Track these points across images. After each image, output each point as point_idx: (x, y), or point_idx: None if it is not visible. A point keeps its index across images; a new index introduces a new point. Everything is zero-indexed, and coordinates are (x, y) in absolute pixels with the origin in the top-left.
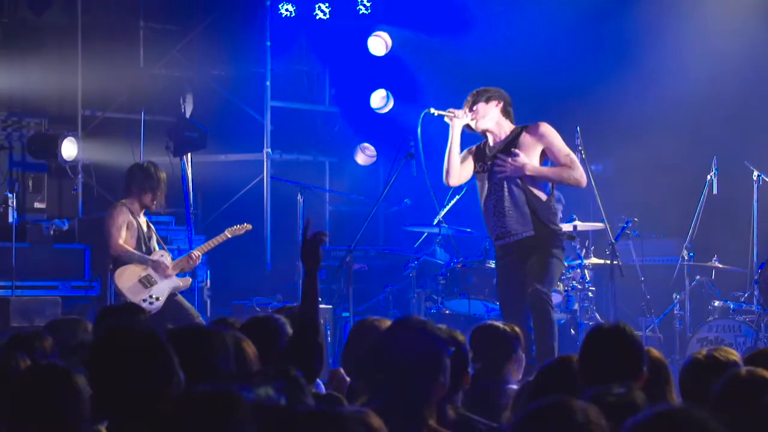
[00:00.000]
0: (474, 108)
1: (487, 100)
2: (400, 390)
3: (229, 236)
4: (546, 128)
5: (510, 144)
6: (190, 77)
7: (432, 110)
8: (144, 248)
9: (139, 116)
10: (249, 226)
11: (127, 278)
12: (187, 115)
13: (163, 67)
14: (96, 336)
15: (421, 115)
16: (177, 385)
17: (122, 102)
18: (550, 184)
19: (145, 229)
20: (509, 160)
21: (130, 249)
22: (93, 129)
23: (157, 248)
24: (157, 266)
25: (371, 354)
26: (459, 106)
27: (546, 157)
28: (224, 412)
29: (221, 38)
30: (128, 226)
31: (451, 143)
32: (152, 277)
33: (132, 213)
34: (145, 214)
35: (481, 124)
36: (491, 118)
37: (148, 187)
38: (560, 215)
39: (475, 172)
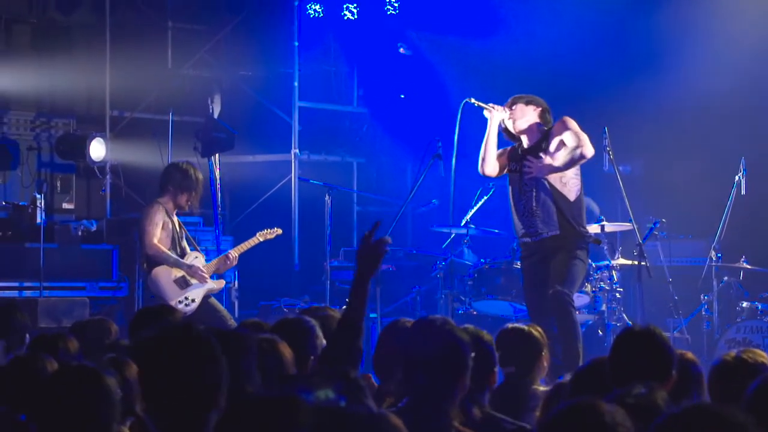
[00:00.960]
0: (513, 107)
1: (527, 103)
2: (423, 389)
3: (261, 240)
4: (567, 120)
5: (539, 145)
6: (218, 78)
7: (472, 100)
8: (177, 249)
9: (167, 117)
10: (279, 231)
11: (164, 279)
12: (215, 115)
13: (191, 67)
14: (141, 336)
15: (462, 104)
16: (224, 390)
17: (150, 102)
18: (579, 186)
19: (178, 229)
20: (534, 160)
21: (165, 250)
22: (121, 130)
23: (188, 249)
24: (192, 272)
25: (397, 355)
26: (485, 101)
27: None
28: (286, 416)
29: (249, 39)
30: (164, 225)
31: (488, 133)
32: (188, 279)
33: (167, 212)
34: (176, 214)
35: (518, 125)
36: (527, 120)
37: (185, 188)
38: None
39: (508, 172)
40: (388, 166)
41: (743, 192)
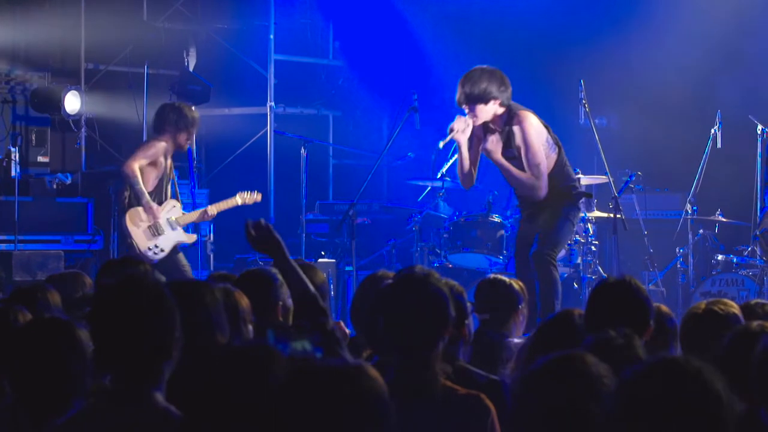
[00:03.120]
0: (474, 112)
1: (487, 101)
2: (407, 344)
3: (240, 203)
4: (526, 127)
5: (507, 139)
6: (194, 31)
7: (441, 144)
8: (163, 192)
9: (142, 70)
10: (259, 197)
11: (137, 222)
12: (191, 68)
13: (166, 20)
14: (99, 288)
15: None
16: (179, 340)
17: (125, 56)
18: (555, 157)
19: (168, 172)
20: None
21: (139, 177)
22: (96, 83)
23: (170, 196)
24: (146, 209)
25: (375, 307)
26: (462, 60)
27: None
28: (261, 366)
29: None
30: (156, 163)
31: (460, 158)
32: (161, 227)
33: (164, 152)
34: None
35: (480, 121)
36: (488, 114)
37: (183, 127)
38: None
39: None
40: (364, 119)
41: (719, 145)
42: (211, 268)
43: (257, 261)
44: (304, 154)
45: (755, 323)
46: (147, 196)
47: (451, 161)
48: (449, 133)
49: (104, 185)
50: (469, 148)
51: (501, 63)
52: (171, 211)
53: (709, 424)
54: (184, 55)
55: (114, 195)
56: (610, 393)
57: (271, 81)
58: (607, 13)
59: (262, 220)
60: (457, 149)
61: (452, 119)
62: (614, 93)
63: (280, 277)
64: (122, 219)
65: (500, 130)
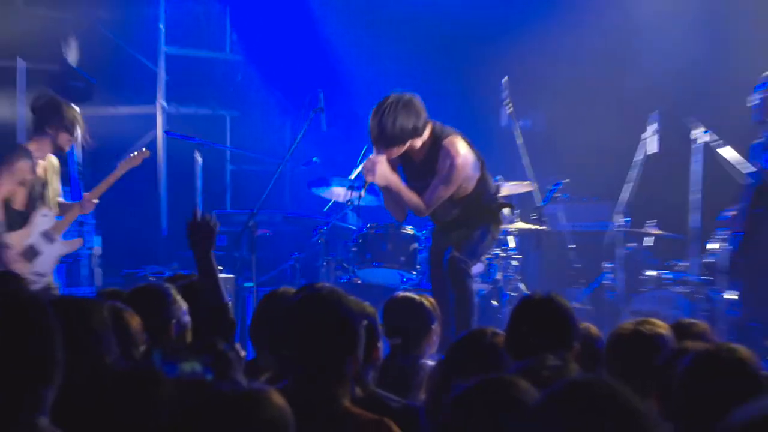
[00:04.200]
0: (385, 152)
1: (404, 142)
2: (310, 366)
3: (123, 171)
4: (455, 163)
5: (429, 169)
6: (74, 19)
7: (362, 195)
8: (35, 205)
9: (15, 63)
10: (147, 153)
11: (9, 255)
12: (72, 62)
13: (44, 6)
14: None
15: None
16: (60, 363)
17: None
18: (477, 176)
19: (43, 176)
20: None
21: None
22: None
23: (43, 203)
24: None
25: (278, 327)
26: (374, 55)
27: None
28: (145, 389)
29: None
30: (24, 182)
31: (384, 198)
32: (35, 247)
33: (32, 162)
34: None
35: (394, 156)
36: (400, 150)
37: (63, 128)
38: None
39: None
40: (265, 120)
41: (656, 149)
42: (99, 283)
43: (147, 276)
44: (199, 159)
45: (687, 344)
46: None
47: (359, 168)
48: (363, 182)
49: None
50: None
51: (414, 58)
52: (42, 221)
53: None
54: (63, 48)
55: None
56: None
57: (162, 77)
58: (534, 7)
59: (213, 215)
60: (369, 152)
61: (362, 120)
62: (540, 92)
63: (173, 293)
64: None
65: (422, 157)
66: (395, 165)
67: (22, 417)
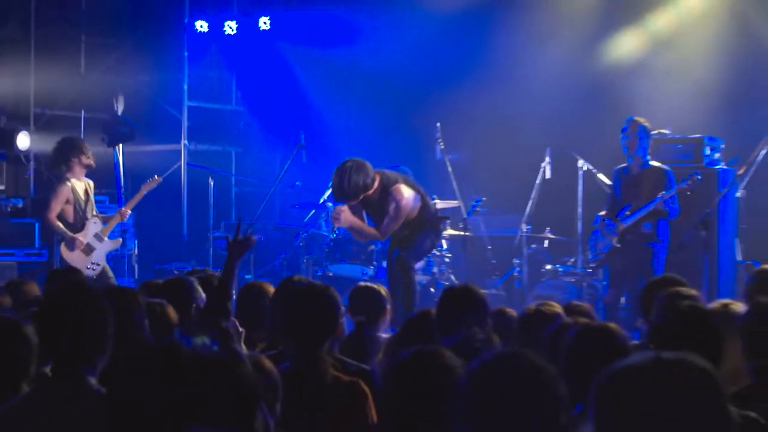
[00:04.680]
0: (347, 205)
1: (358, 197)
2: (302, 339)
3: (145, 191)
4: (399, 205)
5: (382, 208)
6: (122, 82)
7: (334, 232)
8: (80, 215)
9: (80, 114)
10: (159, 179)
11: (71, 251)
12: (119, 113)
13: (100, 73)
14: (46, 292)
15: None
16: (111, 337)
17: (67, 102)
18: (420, 199)
19: (82, 196)
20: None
21: (60, 227)
22: (43, 124)
23: (90, 215)
24: (69, 241)
25: (280, 313)
26: (342, 106)
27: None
28: (169, 360)
29: (148, 49)
30: (70, 200)
31: (351, 231)
32: (91, 245)
33: (73, 185)
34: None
35: (353, 203)
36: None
37: (78, 153)
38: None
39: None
40: (261, 155)
41: (548, 176)
42: (136, 275)
43: (173, 271)
44: (212, 183)
45: (571, 320)
46: (68, 233)
47: (330, 190)
48: (333, 222)
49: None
50: (355, 214)
51: (373, 109)
52: (94, 227)
53: (546, 401)
54: (114, 102)
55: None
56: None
57: (185, 123)
58: (461, 67)
59: (255, 238)
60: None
61: (334, 154)
62: (466, 133)
63: (195, 284)
64: (59, 250)
65: (376, 200)
66: (359, 208)
67: (78, 374)
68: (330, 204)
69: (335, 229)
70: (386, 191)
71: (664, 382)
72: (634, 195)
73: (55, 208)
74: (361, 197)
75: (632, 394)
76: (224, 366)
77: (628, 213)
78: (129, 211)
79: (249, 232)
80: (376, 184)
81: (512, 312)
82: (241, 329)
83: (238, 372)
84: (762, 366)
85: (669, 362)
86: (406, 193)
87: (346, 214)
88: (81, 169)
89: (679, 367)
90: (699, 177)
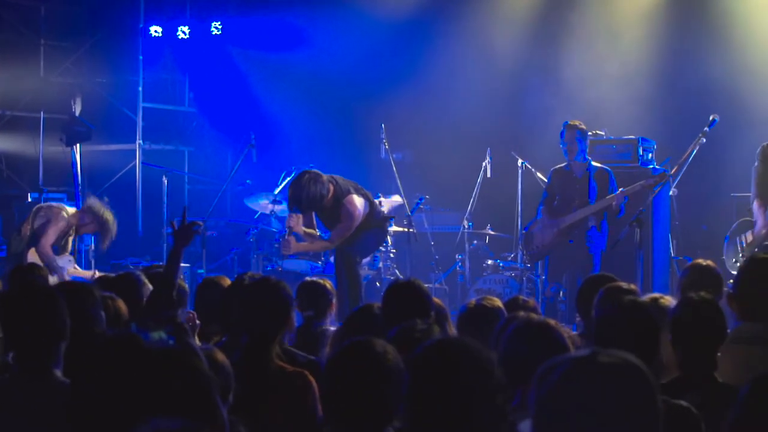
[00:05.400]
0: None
1: (316, 208)
2: (257, 335)
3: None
4: (351, 214)
5: (335, 212)
6: (80, 84)
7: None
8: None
9: (39, 115)
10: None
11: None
12: (77, 113)
13: (58, 75)
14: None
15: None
16: (66, 329)
17: (26, 103)
18: (368, 204)
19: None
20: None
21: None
22: (3, 125)
23: (68, 249)
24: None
25: (232, 305)
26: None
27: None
28: (130, 351)
29: (104, 53)
30: (61, 234)
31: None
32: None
33: (68, 225)
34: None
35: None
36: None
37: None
38: (382, 208)
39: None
40: (213, 154)
41: (488, 175)
42: (92, 268)
43: (129, 265)
44: (165, 181)
45: (518, 313)
46: (57, 267)
47: (280, 187)
48: (288, 229)
49: (9, 206)
50: (306, 219)
51: (321, 111)
52: (65, 263)
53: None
54: (72, 103)
55: (17, 214)
56: (398, 368)
57: (140, 123)
58: (403, 72)
59: (201, 222)
60: (287, 176)
61: (282, 154)
62: (409, 133)
63: (143, 278)
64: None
65: (329, 207)
66: (310, 213)
67: (44, 366)
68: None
69: (285, 257)
70: (339, 201)
71: (598, 376)
72: (579, 192)
73: (52, 238)
74: (316, 208)
75: (569, 388)
76: (181, 357)
77: (574, 209)
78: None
79: (193, 221)
80: (330, 193)
81: (440, 302)
82: (197, 322)
83: (194, 363)
84: (688, 357)
85: (604, 357)
86: (358, 203)
87: (292, 245)
88: (92, 228)
89: (614, 362)
90: (670, 174)
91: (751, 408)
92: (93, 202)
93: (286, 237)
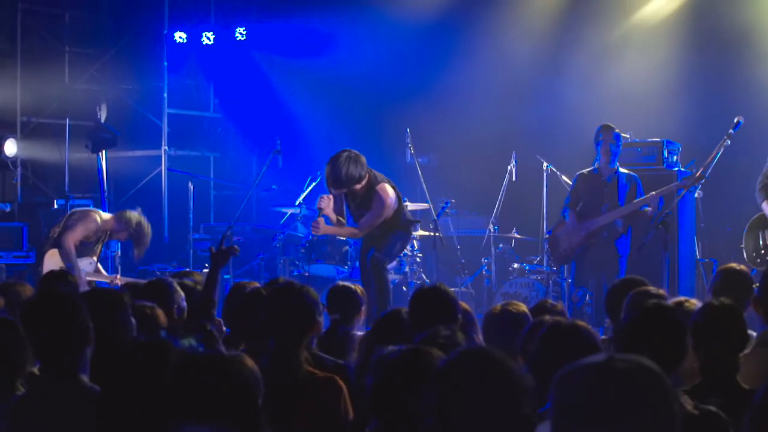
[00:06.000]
0: (337, 190)
1: (351, 185)
2: (281, 338)
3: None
4: (384, 201)
5: (366, 204)
6: (105, 90)
7: (321, 227)
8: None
9: (65, 121)
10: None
11: (53, 264)
12: (102, 120)
13: (83, 82)
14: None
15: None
16: (90, 337)
17: (52, 110)
18: (398, 202)
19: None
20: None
21: (73, 252)
22: (29, 132)
23: (95, 253)
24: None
25: (257, 311)
26: (316, 113)
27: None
28: (160, 356)
29: (129, 60)
30: (88, 235)
31: (330, 218)
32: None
33: (98, 229)
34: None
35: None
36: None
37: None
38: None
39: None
40: (238, 160)
41: (514, 179)
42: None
43: (155, 271)
44: (191, 187)
45: (545, 317)
46: (74, 265)
47: (306, 192)
48: (318, 211)
49: (36, 213)
50: (336, 204)
51: (346, 116)
52: (85, 265)
53: (508, 394)
54: (98, 110)
55: (43, 220)
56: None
57: (165, 129)
58: (429, 76)
59: (238, 249)
60: (312, 181)
61: (309, 159)
62: (434, 137)
63: (175, 285)
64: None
65: (361, 194)
66: (341, 199)
67: (71, 372)
68: (301, 208)
69: (315, 237)
70: (372, 188)
71: (614, 381)
72: (608, 195)
73: (77, 236)
74: (350, 188)
75: (584, 393)
76: (219, 363)
77: (603, 212)
78: (118, 282)
79: (231, 242)
80: (365, 178)
81: (466, 306)
82: (224, 329)
83: (233, 369)
84: (709, 362)
85: (620, 362)
86: (391, 193)
87: (322, 227)
88: (124, 236)
89: (629, 367)
90: (706, 174)
91: (766, 409)
92: (131, 212)
93: (317, 218)
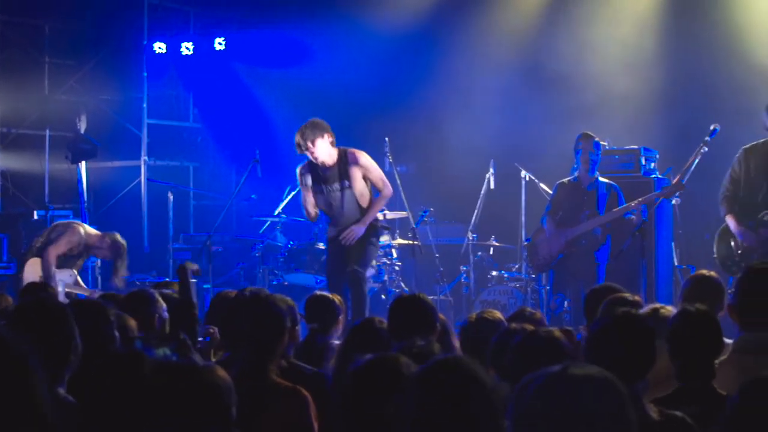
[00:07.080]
0: (313, 147)
1: (322, 135)
2: (253, 349)
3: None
4: (364, 159)
5: (342, 173)
6: (85, 101)
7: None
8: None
9: (45, 132)
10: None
11: (33, 272)
12: (82, 131)
13: (63, 93)
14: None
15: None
16: (76, 347)
17: (32, 121)
18: (369, 196)
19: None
20: (351, 234)
21: (52, 266)
22: (8, 143)
23: (75, 266)
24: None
25: (228, 320)
26: (295, 124)
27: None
28: (133, 367)
29: (108, 70)
30: (72, 249)
31: (304, 202)
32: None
33: (81, 244)
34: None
35: (320, 159)
36: (326, 152)
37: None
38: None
39: (313, 190)
40: (218, 169)
41: (492, 186)
42: (99, 286)
43: (135, 282)
44: (171, 197)
45: (513, 325)
46: (51, 278)
47: (285, 201)
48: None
49: (16, 224)
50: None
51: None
52: (64, 276)
53: (482, 403)
54: (77, 121)
55: (24, 231)
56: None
57: (144, 140)
58: (407, 85)
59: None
60: (291, 190)
61: (288, 169)
62: (413, 146)
63: (156, 296)
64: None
65: (332, 167)
66: (308, 173)
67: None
68: (280, 217)
69: (290, 270)
70: (344, 155)
71: (569, 390)
72: (588, 204)
73: (62, 248)
74: (318, 143)
75: (539, 402)
76: (191, 373)
77: (582, 219)
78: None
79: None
80: (335, 150)
81: (443, 317)
82: (217, 336)
83: (204, 379)
84: (686, 369)
85: (574, 371)
86: (366, 155)
87: (355, 227)
88: (104, 254)
89: (584, 376)
90: (683, 181)
91: (740, 412)
92: (121, 237)
93: (345, 233)
